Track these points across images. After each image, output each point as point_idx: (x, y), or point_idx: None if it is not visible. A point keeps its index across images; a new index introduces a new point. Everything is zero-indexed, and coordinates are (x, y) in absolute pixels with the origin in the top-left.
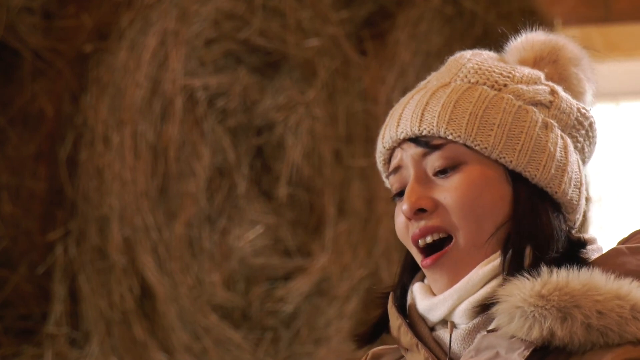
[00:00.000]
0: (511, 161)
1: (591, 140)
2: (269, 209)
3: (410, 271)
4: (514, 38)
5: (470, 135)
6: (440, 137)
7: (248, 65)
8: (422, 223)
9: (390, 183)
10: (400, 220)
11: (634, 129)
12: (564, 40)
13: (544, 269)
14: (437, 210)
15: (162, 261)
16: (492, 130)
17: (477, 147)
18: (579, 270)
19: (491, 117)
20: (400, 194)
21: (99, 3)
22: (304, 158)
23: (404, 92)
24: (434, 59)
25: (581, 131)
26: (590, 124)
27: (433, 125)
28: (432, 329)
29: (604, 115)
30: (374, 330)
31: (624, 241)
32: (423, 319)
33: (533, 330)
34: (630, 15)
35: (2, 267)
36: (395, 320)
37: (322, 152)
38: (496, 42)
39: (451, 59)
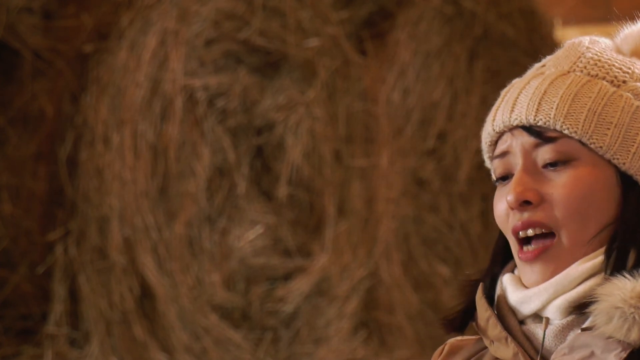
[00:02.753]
0: (624, 163)
1: None
2: (269, 209)
3: (502, 261)
4: (629, 25)
5: (587, 133)
6: (555, 130)
7: (248, 65)
8: (525, 215)
9: (494, 166)
10: (501, 207)
11: None
12: None
13: None
14: (543, 204)
15: (162, 261)
16: (608, 129)
17: (592, 145)
18: None
19: (609, 115)
20: (503, 178)
21: (99, 3)
22: (304, 158)
23: (404, 92)
24: (434, 59)
25: None
26: None
27: (550, 117)
28: (521, 322)
29: None
30: (462, 318)
31: None
32: (513, 311)
33: (632, 332)
34: (631, 15)
35: (2, 267)
36: (484, 311)
37: (322, 152)
38: (496, 42)
39: (568, 43)
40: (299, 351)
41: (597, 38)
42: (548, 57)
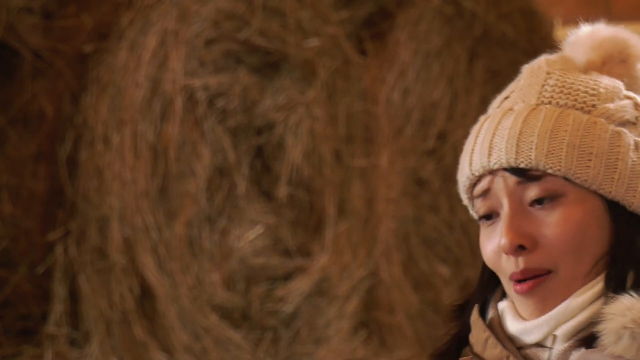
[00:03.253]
0: (610, 192)
1: None
2: (269, 209)
3: (492, 287)
4: (575, 30)
5: (571, 169)
6: (538, 170)
7: (248, 65)
8: (521, 262)
9: (476, 206)
10: (490, 247)
11: None
12: (628, 36)
13: None
14: (537, 248)
15: (162, 261)
16: (590, 160)
17: (577, 180)
18: None
19: (588, 146)
20: (487, 217)
21: (99, 3)
22: (304, 158)
23: (404, 92)
24: (434, 59)
25: None
26: None
27: (531, 159)
28: (519, 347)
29: None
30: (456, 344)
31: None
32: (508, 336)
33: None
34: (631, 15)
35: (2, 267)
36: (482, 332)
37: (322, 152)
38: (496, 42)
39: (527, 70)
40: (299, 351)
41: (552, 57)
42: (510, 87)
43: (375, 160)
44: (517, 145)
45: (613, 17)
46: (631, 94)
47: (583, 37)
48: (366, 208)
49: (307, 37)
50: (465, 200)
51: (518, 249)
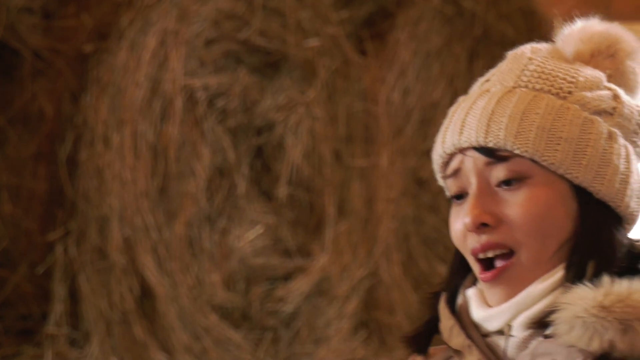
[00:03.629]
0: (577, 177)
1: None
2: (269, 209)
3: (462, 273)
4: (569, 25)
5: (538, 151)
6: (506, 150)
7: (248, 65)
8: (484, 238)
9: (448, 185)
10: (457, 227)
11: None
12: (620, 32)
13: (606, 279)
14: (501, 225)
15: (162, 261)
16: (559, 144)
17: (544, 163)
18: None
19: (558, 130)
20: (458, 197)
21: (99, 3)
22: (304, 158)
23: (404, 92)
24: (434, 59)
25: None
26: None
27: (500, 138)
28: (484, 334)
29: None
30: (427, 331)
31: None
32: (474, 323)
33: (593, 342)
34: (631, 15)
35: (2, 267)
36: (447, 320)
37: (322, 152)
38: (496, 42)
39: (511, 55)
40: (299, 351)
41: (539, 45)
42: (492, 71)
43: (375, 160)
44: (488, 125)
45: (613, 17)
46: (613, 86)
47: (575, 30)
48: (366, 208)
49: (307, 37)
50: (440, 180)
51: (481, 227)
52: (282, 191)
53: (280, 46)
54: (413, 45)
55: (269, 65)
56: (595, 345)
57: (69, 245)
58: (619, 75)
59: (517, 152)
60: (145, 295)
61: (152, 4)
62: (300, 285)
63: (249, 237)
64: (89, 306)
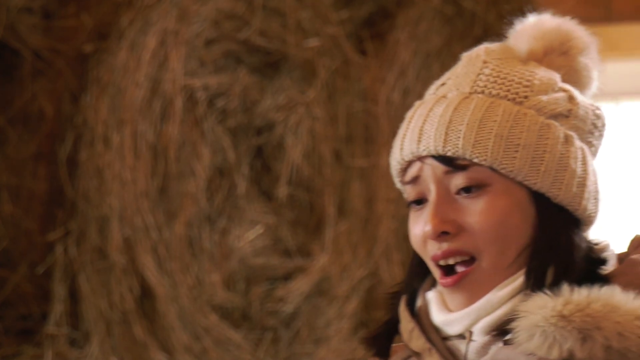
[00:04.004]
0: (536, 183)
1: (602, 137)
2: (269, 209)
3: (421, 276)
4: (521, 20)
5: (497, 159)
6: (465, 159)
7: (248, 65)
8: (445, 245)
9: (407, 192)
10: (417, 232)
11: (634, 129)
12: (573, 28)
13: (565, 287)
14: (461, 233)
15: (162, 261)
16: (517, 152)
17: (502, 171)
18: (599, 290)
19: (516, 137)
20: (418, 202)
21: (99, 3)
22: (304, 158)
23: (404, 92)
24: (434, 59)
25: (595, 133)
26: (603, 123)
27: (458, 147)
28: (444, 337)
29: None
30: (387, 332)
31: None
32: (434, 326)
33: (553, 350)
34: (631, 15)
35: (2, 267)
36: (407, 323)
37: (322, 152)
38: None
39: (466, 58)
40: (299, 351)
41: (492, 46)
42: (447, 74)
43: (375, 160)
44: (446, 134)
45: (613, 17)
46: (567, 86)
47: (527, 27)
48: (366, 208)
49: (307, 37)
50: (398, 184)
51: (442, 235)
52: (282, 191)
53: (280, 46)
54: (413, 45)
55: (269, 65)
56: (555, 354)
57: (69, 245)
58: (572, 73)
59: (475, 160)
60: (145, 295)
61: (152, 4)
62: (300, 285)
63: (249, 237)
64: (89, 306)
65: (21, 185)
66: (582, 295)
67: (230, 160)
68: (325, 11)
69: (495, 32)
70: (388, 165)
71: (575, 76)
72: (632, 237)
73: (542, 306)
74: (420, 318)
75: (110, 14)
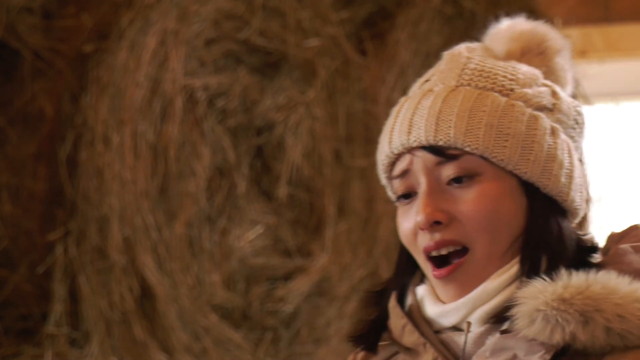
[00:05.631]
0: (526, 172)
1: (583, 134)
2: (269, 209)
3: (410, 272)
4: (495, 24)
5: (488, 148)
6: (456, 148)
7: (248, 65)
8: (437, 236)
9: (395, 186)
10: (407, 226)
11: (634, 129)
12: (547, 30)
13: (563, 272)
14: (453, 223)
15: (162, 261)
16: (507, 141)
17: (493, 159)
18: (596, 273)
19: (505, 127)
20: (406, 196)
21: (99, 3)
22: (304, 158)
23: (404, 92)
24: (434, 59)
25: (577, 129)
26: (583, 120)
27: (450, 136)
28: (436, 331)
29: (604, 115)
30: (374, 330)
31: (618, 237)
32: (427, 321)
33: (555, 334)
34: (630, 15)
35: (2, 267)
36: (399, 319)
37: (322, 152)
38: None
39: (448, 55)
40: (299, 351)
41: (472, 45)
42: (430, 71)
43: (375, 160)
44: (437, 124)
45: (613, 17)
46: (549, 82)
47: (502, 29)
48: (366, 208)
49: (307, 37)
50: (384, 180)
51: (434, 225)
52: (282, 191)
53: (280, 46)
54: (413, 45)
55: (269, 65)
56: (557, 338)
57: (69, 245)
58: (549, 73)
59: (467, 149)
60: (145, 295)
61: (152, 4)
62: (300, 285)
63: (249, 237)
64: (89, 306)
65: (21, 185)
66: (580, 278)
67: (230, 160)
68: (325, 11)
69: None
70: None
71: (552, 76)
72: (607, 234)
73: (542, 291)
74: (412, 314)
75: (110, 14)
